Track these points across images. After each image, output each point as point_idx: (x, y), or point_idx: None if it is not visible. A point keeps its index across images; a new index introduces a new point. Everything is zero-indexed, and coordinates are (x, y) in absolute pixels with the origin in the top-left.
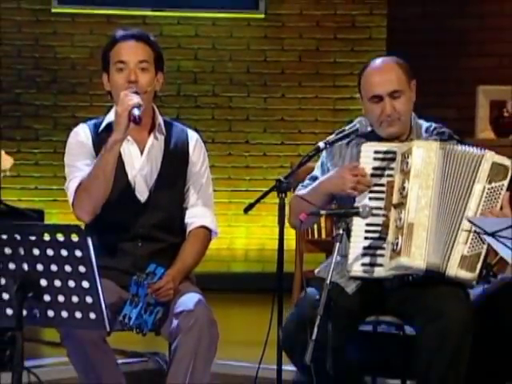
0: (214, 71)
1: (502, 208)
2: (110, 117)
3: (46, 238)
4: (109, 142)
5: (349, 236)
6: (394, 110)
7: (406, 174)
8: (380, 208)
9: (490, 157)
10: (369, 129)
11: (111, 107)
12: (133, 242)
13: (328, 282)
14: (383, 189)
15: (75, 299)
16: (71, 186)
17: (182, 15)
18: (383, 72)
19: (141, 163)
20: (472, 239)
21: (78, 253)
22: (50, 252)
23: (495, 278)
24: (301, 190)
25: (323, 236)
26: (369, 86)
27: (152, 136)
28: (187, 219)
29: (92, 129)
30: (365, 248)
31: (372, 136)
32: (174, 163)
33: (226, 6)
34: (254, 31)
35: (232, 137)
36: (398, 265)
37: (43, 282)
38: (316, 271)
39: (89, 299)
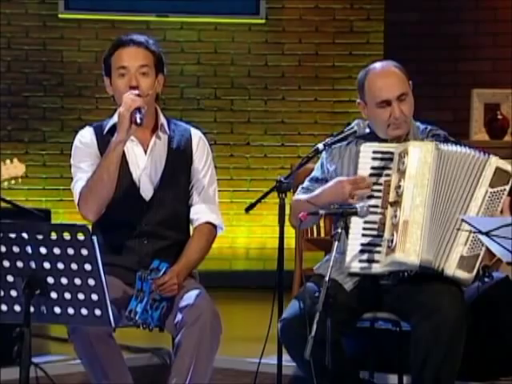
0: (216, 75)
1: (502, 212)
2: (115, 119)
3: (53, 236)
4: (112, 143)
5: (347, 234)
6: (401, 112)
7: (402, 173)
8: (377, 206)
9: (495, 162)
10: (367, 130)
11: (116, 110)
12: (138, 239)
13: (327, 279)
14: (381, 188)
15: (81, 296)
16: (77, 187)
17: (185, 20)
18: (387, 76)
19: (145, 162)
20: (471, 240)
21: (84, 251)
22: (56, 250)
23: (491, 279)
24: (300, 194)
25: (322, 235)
26: (375, 91)
27: (155, 136)
28: (192, 215)
29: (97, 131)
30: (362, 245)
31: (370, 137)
32: (178, 161)
33: (227, 11)
34: (254, 36)
35: (233, 139)
36: (393, 261)
37: (50, 280)
38: (315, 268)
39: (94, 296)
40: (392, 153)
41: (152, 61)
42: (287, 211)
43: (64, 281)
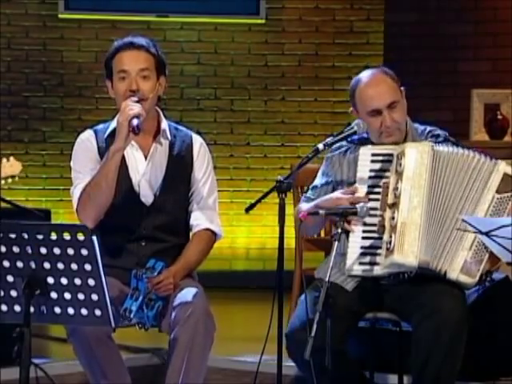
0: (216, 75)
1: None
2: (115, 123)
3: (53, 237)
4: (110, 150)
5: (347, 236)
6: (393, 120)
7: (399, 174)
8: (377, 209)
9: (503, 168)
10: (364, 135)
11: (116, 110)
12: (137, 242)
13: (327, 279)
14: (380, 190)
15: (81, 296)
16: (76, 193)
17: (185, 21)
18: (377, 85)
19: (144, 168)
20: (476, 246)
21: (84, 251)
22: (56, 250)
23: (492, 283)
24: (303, 203)
25: (322, 235)
26: (365, 101)
27: (156, 141)
28: (192, 221)
29: (98, 134)
30: (362, 248)
31: (369, 142)
32: (179, 168)
33: (227, 11)
34: (254, 36)
35: (233, 139)
36: (392, 262)
37: (50, 280)
38: (316, 273)
39: (94, 296)
40: (391, 155)
41: (153, 64)
42: (287, 211)
43: (64, 281)
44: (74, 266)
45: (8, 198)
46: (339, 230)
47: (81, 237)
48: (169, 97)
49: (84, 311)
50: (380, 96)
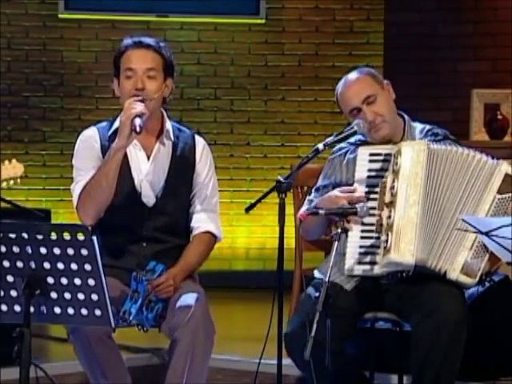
0: (216, 75)
1: None
2: (118, 122)
3: (53, 236)
4: (112, 149)
5: (346, 236)
6: (375, 114)
7: (396, 173)
8: (375, 208)
9: (505, 168)
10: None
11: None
12: (137, 243)
13: (327, 279)
14: (378, 189)
15: (81, 296)
16: (76, 189)
17: (185, 21)
18: (351, 85)
19: (147, 168)
20: (477, 246)
21: (84, 251)
22: (56, 250)
23: (492, 283)
24: (306, 206)
25: (322, 235)
26: (344, 102)
27: (159, 142)
28: (193, 224)
29: (101, 132)
30: (361, 247)
31: (367, 144)
32: (181, 170)
33: (227, 11)
34: (254, 36)
35: (233, 139)
36: (389, 261)
37: (50, 280)
38: (315, 272)
39: (94, 296)
40: (388, 154)
41: (161, 64)
42: (287, 211)
43: (64, 281)
44: (73, 266)
45: (8, 198)
46: (339, 230)
47: (81, 237)
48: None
49: (84, 311)
50: (354, 94)
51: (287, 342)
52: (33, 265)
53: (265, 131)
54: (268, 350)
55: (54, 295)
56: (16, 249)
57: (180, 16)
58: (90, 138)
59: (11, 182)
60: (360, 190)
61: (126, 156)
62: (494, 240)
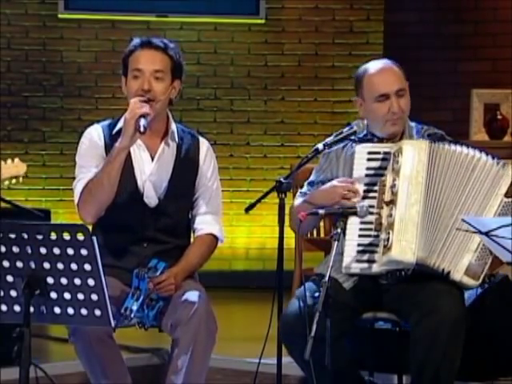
0: (215, 75)
1: None
2: (122, 121)
3: (53, 236)
4: (115, 148)
5: (344, 235)
6: (399, 107)
7: (396, 172)
8: (373, 206)
9: None
10: (364, 132)
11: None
12: (138, 243)
13: (327, 279)
14: (377, 188)
15: (81, 296)
16: (78, 187)
17: (185, 21)
18: (386, 72)
19: (151, 169)
20: (481, 248)
21: (84, 251)
22: (56, 250)
23: (492, 283)
24: (299, 198)
25: (322, 235)
26: (374, 85)
27: (163, 143)
28: (196, 225)
29: (105, 130)
30: (359, 245)
31: (366, 139)
32: (185, 171)
33: (227, 11)
34: (254, 36)
35: (233, 139)
36: (389, 260)
37: (50, 280)
38: (315, 268)
39: (94, 296)
40: (387, 153)
41: (169, 66)
42: (287, 211)
43: (64, 281)
44: (73, 266)
45: (8, 198)
46: (339, 230)
47: (80, 237)
48: None
49: (84, 311)
50: (389, 81)
51: (283, 331)
52: (32, 265)
53: (265, 131)
54: (268, 350)
55: (53, 295)
56: (16, 249)
57: (180, 16)
58: (93, 136)
59: (13, 181)
60: (358, 188)
61: (129, 156)
62: (493, 240)
